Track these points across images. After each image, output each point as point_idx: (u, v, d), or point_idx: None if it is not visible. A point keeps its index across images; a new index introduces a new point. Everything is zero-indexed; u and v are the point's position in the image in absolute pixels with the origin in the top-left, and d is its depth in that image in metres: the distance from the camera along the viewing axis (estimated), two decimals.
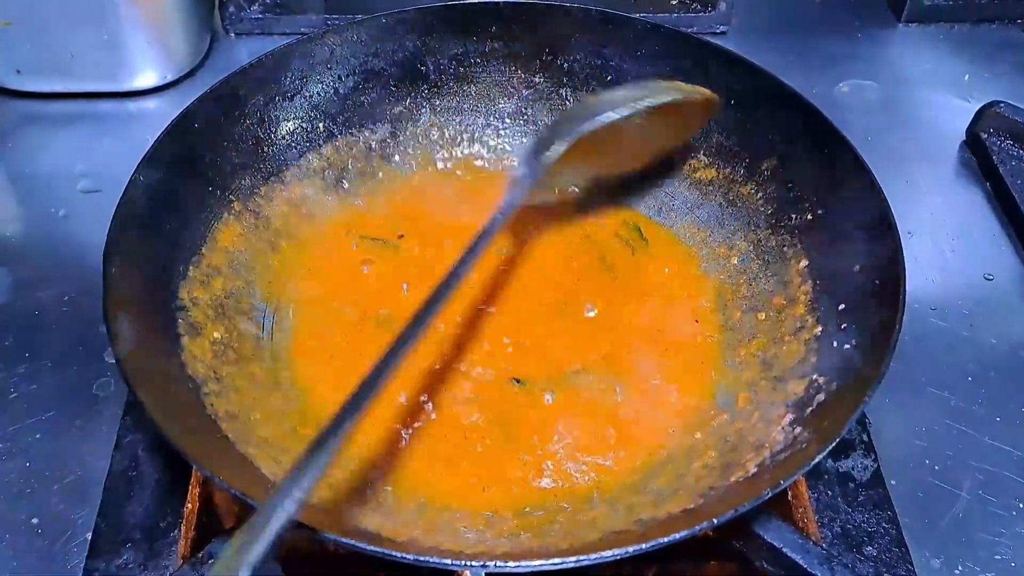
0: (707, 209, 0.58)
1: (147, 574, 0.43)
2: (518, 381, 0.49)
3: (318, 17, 0.77)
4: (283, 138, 0.57)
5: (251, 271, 0.53)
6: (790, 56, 0.76)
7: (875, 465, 0.48)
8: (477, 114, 0.62)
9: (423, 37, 0.60)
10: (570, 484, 0.45)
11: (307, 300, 0.53)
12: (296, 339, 0.51)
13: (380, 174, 0.60)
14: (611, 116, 0.48)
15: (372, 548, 0.34)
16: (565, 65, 0.61)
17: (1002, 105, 0.67)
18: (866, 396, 0.39)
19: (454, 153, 0.62)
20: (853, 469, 0.48)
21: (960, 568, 0.45)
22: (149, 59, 0.70)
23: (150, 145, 0.49)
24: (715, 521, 0.35)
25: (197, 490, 0.46)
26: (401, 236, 0.58)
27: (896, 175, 0.65)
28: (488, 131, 0.62)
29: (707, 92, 0.52)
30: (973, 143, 0.68)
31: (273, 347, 0.50)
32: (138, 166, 0.48)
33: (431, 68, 0.61)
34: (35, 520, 0.46)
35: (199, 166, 0.52)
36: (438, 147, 0.62)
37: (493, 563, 0.34)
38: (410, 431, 0.47)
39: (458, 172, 0.62)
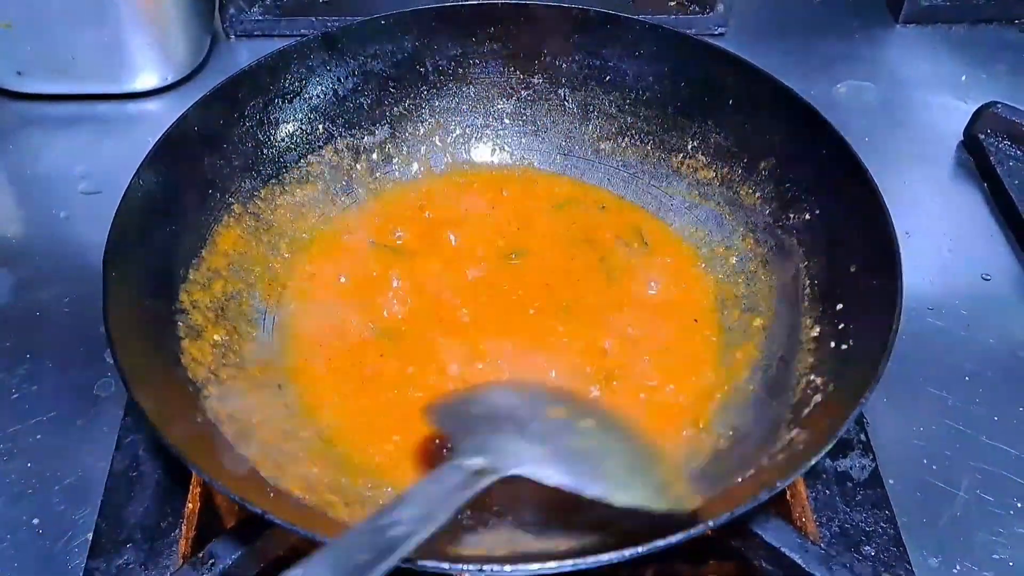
0: (705, 209, 0.58)
1: (148, 574, 0.43)
2: (527, 382, 0.49)
3: (318, 19, 0.77)
4: (283, 140, 0.57)
5: (251, 274, 0.53)
6: (788, 57, 0.76)
7: (873, 465, 0.48)
8: (476, 115, 0.62)
9: (422, 38, 0.60)
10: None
11: (307, 303, 0.54)
12: (296, 342, 0.51)
13: (379, 176, 0.60)
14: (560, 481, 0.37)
15: None
16: (563, 66, 0.61)
17: (999, 106, 0.67)
18: (864, 397, 0.39)
19: (453, 154, 0.62)
20: (851, 469, 0.48)
21: (958, 567, 0.45)
22: (150, 61, 0.70)
23: (150, 147, 0.49)
24: (712, 523, 0.36)
25: (198, 490, 0.47)
26: (401, 238, 0.58)
27: (894, 176, 0.65)
28: (487, 131, 0.62)
29: (689, 503, 0.38)
30: (970, 144, 0.69)
31: (273, 350, 0.51)
32: (138, 169, 0.48)
33: (430, 69, 0.61)
34: (36, 520, 0.46)
35: (199, 169, 0.52)
36: (437, 148, 0.62)
37: (490, 567, 0.34)
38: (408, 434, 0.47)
39: (457, 173, 0.62)
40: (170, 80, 0.72)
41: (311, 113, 0.58)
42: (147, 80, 0.71)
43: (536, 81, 0.62)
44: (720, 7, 0.78)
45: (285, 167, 0.57)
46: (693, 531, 0.35)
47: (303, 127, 0.58)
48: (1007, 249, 0.62)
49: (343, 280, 0.55)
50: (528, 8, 0.60)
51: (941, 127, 0.71)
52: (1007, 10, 0.80)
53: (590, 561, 0.34)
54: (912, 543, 0.45)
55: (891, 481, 0.48)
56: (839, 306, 0.47)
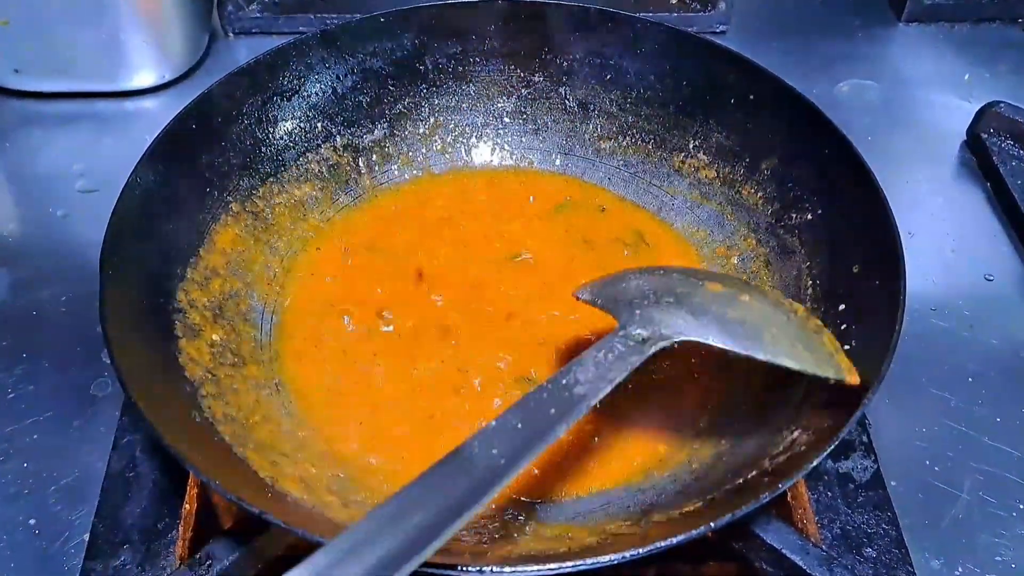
0: (707, 209, 0.57)
1: (145, 575, 0.43)
2: (529, 381, 0.49)
3: (316, 16, 0.77)
4: (281, 138, 0.56)
5: (249, 273, 0.53)
6: (790, 56, 0.76)
7: (875, 466, 0.48)
8: (476, 113, 0.62)
9: (421, 36, 0.59)
10: (568, 486, 0.45)
11: (306, 302, 0.53)
12: (294, 341, 0.51)
13: (378, 174, 0.60)
14: (730, 345, 0.39)
15: None
16: (564, 64, 0.61)
17: (1002, 105, 0.67)
18: (866, 398, 0.39)
19: (453, 153, 0.62)
20: (853, 470, 0.48)
21: (960, 569, 0.45)
22: (148, 59, 0.70)
23: (148, 145, 0.49)
24: (713, 524, 0.35)
25: (195, 491, 0.46)
26: (400, 237, 0.57)
27: (896, 175, 0.65)
28: (487, 130, 0.62)
29: (850, 376, 0.39)
30: (973, 143, 0.68)
31: (271, 349, 0.50)
32: (136, 167, 0.48)
33: (429, 67, 0.60)
34: (32, 521, 0.46)
35: (197, 167, 0.52)
36: (436, 147, 0.62)
37: (490, 568, 0.33)
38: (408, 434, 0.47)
39: (457, 172, 0.62)
40: (168, 78, 0.72)
41: (310, 111, 0.57)
42: (145, 78, 0.71)
43: (536, 79, 0.61)
44: (722, 5, 0.78)
45: (284, 165, 0.57)
46: (694, 532, 0.35)
47: (302, 125, 0.57)
48: (1010, 249, 0.62)
49: (342, 280, 0.55)
50: (529, 6, 0.59)
51: (944, 126, 0.70)
52: (1010, 9, 0.80)
53: (590, 562, 0.34)
54: (914, 545, 0.45)
55: (893, 483, 0.48)
56: (841, 306, 0.47)
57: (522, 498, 0.45)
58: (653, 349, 0.39)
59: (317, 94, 0.58)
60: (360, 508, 0.42)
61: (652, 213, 0.59)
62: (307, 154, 0.58)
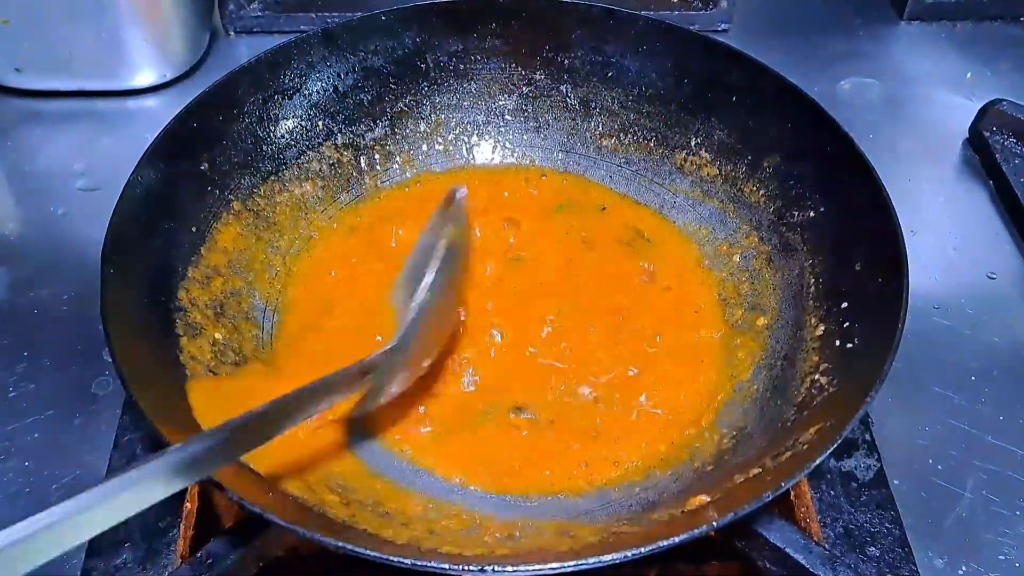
0: (709, 207, 0.57)
1: (146, 574, 0.43)
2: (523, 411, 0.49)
3: (317, 15, 0.77)
4: (282, 137, 0.56)
5: (251, 271, 0.52)
6: (792, 53, 0.76)
7: (878, 465, 0.48)
8: (477, 111, 0.62)
9: (422, 34, 0.59)
10: (568, 483, 0.45)
11: (307, 300, 0.53)
12: (296, 340, 0.51)
13: (379, 172, 0.60)
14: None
15: (372, 553, 0.34)
16: (566, 62, 0.60)
17: (1004, 103, 0.66)
18: (869, 396, 0.39)
19: (454, 151, 0.62)
20: (856, 469, 0.47)
21: (964, 568, 0.45)
22: (148, 57, 0.70)
23: (149, 144, 0.49)
24: (716, 523, 0.35)
25: (196, 489, 0.46)
26: (401, 236, 0.57)
27: (899, 173, 0.65)
28: (489, 128, 0.62)
29: None
30: (976, 141, 0.68)
31: (273, 348, 0.50)
32: (137, 165, 0.48)
33: (431, 65, 0.60)
34: None
35: (198, 165, 0.52)
36: (438, 145, 0.61)
37: (492, 567, 0.33)
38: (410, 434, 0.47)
39: (458, 170, 0.61)
40: (169, 77, 0.72)
41: (311, 110, 0.57)
42: (146, 77, 0.71)
43: (538, 77, 0.61)
44: (723, 3, 0.78)
45: (285, 164, 0.56)
46: (697, 532, 0.35)
47: (303, 124, 0.57)
48: (1013, 247, 0.62)
49: (343, 278, 0.55)
50: (530, 3, 0.59)
51: (946, 124, 0.70)
52: (1012, 7, 0.79)
53: (592, 562, 0.34)
54: (917, 544, 0.45)
55: (896, 481, 0.47)
56: (844, 304, 0.47)
57: (523, 496, 0.44)
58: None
59: (318, 92, 0.58)
60: (360, 507, 0.42)
61: (654, 211, 0.59)
62: (308, 152, 0.57)
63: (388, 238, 0.57)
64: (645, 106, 0.59)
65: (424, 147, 0.61)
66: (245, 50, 0.76)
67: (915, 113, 0.72)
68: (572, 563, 0.34)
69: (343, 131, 0.59)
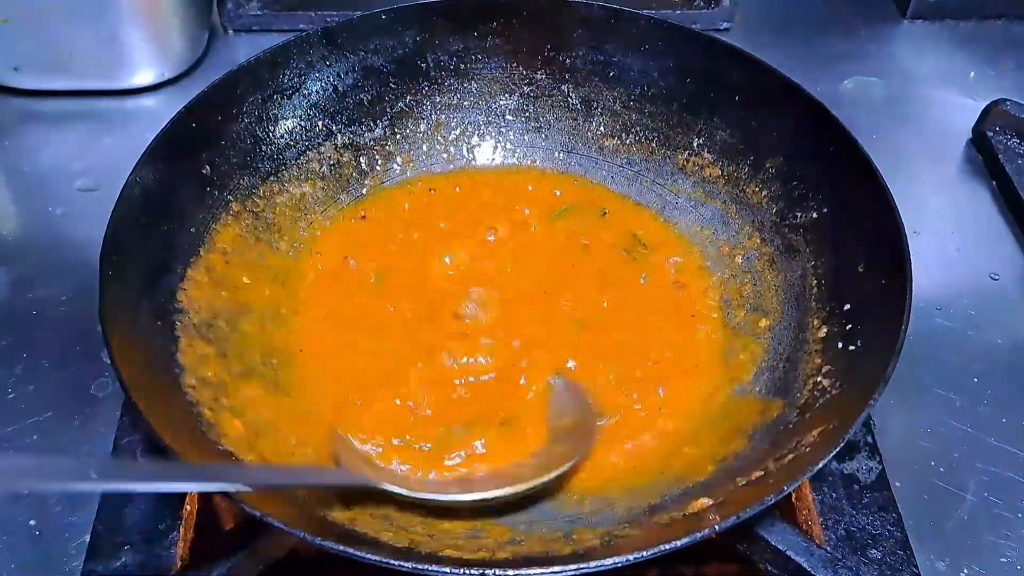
0: (711, 207, 0.57)
1: None
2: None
3: (317, 14, 0.77)
4: (282, 137, 0.56)
5: (249, 272, 0.52)
6: (794, 53, 0.76)
7: (880, 467, 0.47)
8: (478, 111, 0.61)
9: (422, 33, 0.59)
10: (571, 485, 0.45)
11: (306, 302, 0.53)
12: (295, 342, 0.51)
13: (380, 173, 0.60)
14: None
15: (372, 557, 0.33)
16: (567, 61, 0.60)
17: (1008, 103, 0.66)
18: (872, 398, 0.39)
19: (455, 152, 0.61)
20: (858, 471, 0.47)
21: (966, 571, 0.45)
22: (147, 57, 0.70)
23: (148, 144, 0.49)
24: (718, 527, 0.35)
25: (196, 492, 0.46)
26: (402, 236, 0.57)
27: (901, 173, 0.64)
28: (489, 128, 0.62)
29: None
30: (979, 141, 0.68)
31: (272, 350, 0.50)
32: (135, 166, 0.47)
33: (431, 65, 0.60)
34: (33, 522, 0.46)
35: (197, 166, 0.52)
36: (438, 145, 0.61)
37: (493, 571, 0.33)
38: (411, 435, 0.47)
39: (459, 171, 0.61)
40: (168, 76, 0.71)
41: (310, 109, 0.57)
42: (145, 76, 0.71)
43: (539, 77, 0.61)
44: (726, 2, 0.77)
45: (284, 164, 0.56)
46: (699, 535, 0.35)
47: (302, 124, 0.57)
48: (1016, 248, 0.61)
49: (343, 279, 0.54)
50: (531, 2, 0.59)
51: (949, 124, 0.70)
52: (1016, 6, 0.79)
53: (593, 566, 0.34)
54: (919, 546, 0.45)
55: (898, 483, 0.47)
56: (847, 306, 0.46)
57: (526, 499, 0.44)
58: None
59: (318, 92, 0.57)
60: (362, 510, 0.42)
61: (655, 212, 0.59)
62: (308, 153, 0.57)
63: (388, 237, 0.57)
64: (647, 106, 0.59)
65: (424, 147, 0.61)
66: (244, 49, 0.76)
67: (918, 113, 0.72)
68: (574, 567, 0.34)
69: (343, 131, 0.58)
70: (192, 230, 0.50)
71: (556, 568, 0.33)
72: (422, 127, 0.61)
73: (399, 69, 0.59)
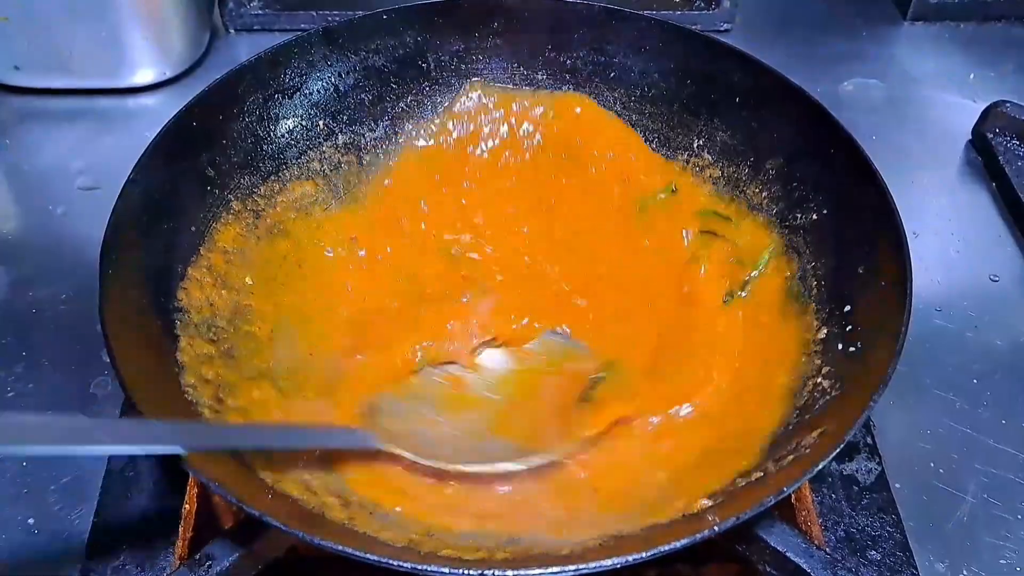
0: None
1: (144, 575, 0.42)
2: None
3: (318, 13, 0.77)
4: (282, 136, 0.56)
5: (250, 272, 0.52)
6: (794, 54, 0.76)
7: (879, 468, 0.47)
8: None
9: (424, 33, 0.59)
10: (570, 483, 0.45)
11: (307, 301, 0.53)
12: (295, 341, 0.51)
13: (380, 172, 0.60)
14: None
15: (371, 556, 0.33)
16: (568, 62, 0.60)
17: (1008, 104, 0.66)
18: (872, 400, 0.38)
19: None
20: (857, 472, 0.47)
21: (965, 572, 0.45)
22: (148, 56, 0.70)
23: (148, 143, 0.48)
24: (717, 528, 0.35)
25: (195, 491, 0.46)
26: (402, 235, 0.57)
27: (901, 175, 0.64)
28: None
29: None
30: (979, 143, 0.68)
31: (273, 349, 0.50)
32: (136, 165, 0.47)
33: (432, 64, 0.60)
34: (32, 520, 0.46)
35: (198, 165, 0.51)
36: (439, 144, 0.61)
37: (492, 571, 0.33)
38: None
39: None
40: (168, 75, 0.71)
41: (311, 109, 0.57)
42: (145, 75, 0.71)
43: (540, 77, 0.61)
44: (726, 3, 0.77)
45: (285, 164, 0.56)
46: (698, 536, 0.35)
47: (303, 123, 0.57)
48: (1015, 250, 0.61)
49: (344, 278, 0.54)
50: (531, 3, 0.59)
51: (949, 126, 0.70)
52: (1016, 8, 0.79)
53: (592, 566, 0.34)
54: (918, 548, 0.45)
55: (897, 485, 0.47)
56: (847, 308, 0.46)
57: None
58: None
59: (319, 92, 0.57)
60: (360, 508, 0.42)
61: None
62: (309, 152, 0.57)
63: (389, 237, 0.57)
64: (647, 107, 0.59)
65: (425, 147, 0.61)
66: (245, 48, 0.76)
67: (918, 114, 0.72)
68: (573, 568, 0.34)
69: (344, 131, 0.58)
70: (193, 229, 0.50)
71: (555, 568, 0.33)
72: (423, 127, 0.61)
73: (400, 69, 0.59)
